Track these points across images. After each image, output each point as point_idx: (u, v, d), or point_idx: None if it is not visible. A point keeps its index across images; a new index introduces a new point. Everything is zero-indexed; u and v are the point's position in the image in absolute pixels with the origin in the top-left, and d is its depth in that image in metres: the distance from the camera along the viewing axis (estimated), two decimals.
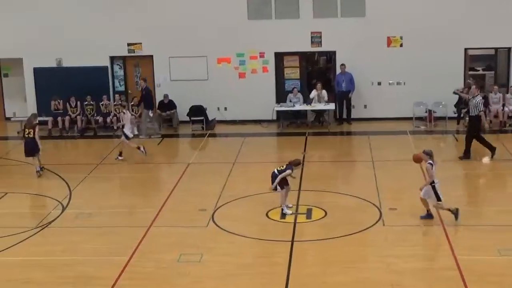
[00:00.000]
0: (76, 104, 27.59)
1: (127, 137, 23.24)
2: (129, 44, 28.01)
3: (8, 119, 29.16)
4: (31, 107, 28.28)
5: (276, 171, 17.89)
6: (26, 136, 21.71)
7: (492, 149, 22.28)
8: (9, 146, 26.11)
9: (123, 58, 28.46)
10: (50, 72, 28.18)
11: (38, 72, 28.30)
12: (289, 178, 17.88)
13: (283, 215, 17.94)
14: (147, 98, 26.82)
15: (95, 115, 27.63)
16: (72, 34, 27.68)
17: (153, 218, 18.14)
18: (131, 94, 28.19)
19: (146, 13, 27.45)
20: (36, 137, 21.64)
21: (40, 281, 14.92)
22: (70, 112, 27.54)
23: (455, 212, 16.94)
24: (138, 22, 27.55)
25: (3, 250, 16.47)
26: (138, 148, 23.30)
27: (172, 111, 27.59)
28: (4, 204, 19.48)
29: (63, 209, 19.12)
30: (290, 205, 18.15)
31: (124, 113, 23.69)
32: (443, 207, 17.14)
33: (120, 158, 23.35)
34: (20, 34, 27.83)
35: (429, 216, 17.27)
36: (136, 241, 16.65)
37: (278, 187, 17.83)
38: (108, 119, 27.41)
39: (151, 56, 28.14)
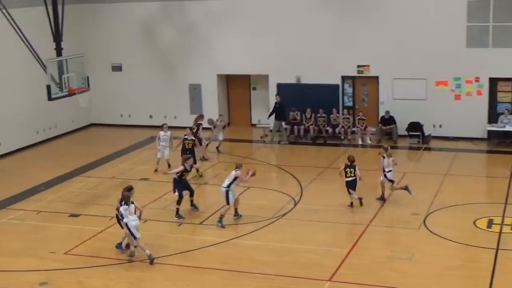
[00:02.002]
0: (311, 115, 28.06)
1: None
2: (358, 66, 28.07)
3: (254, 125, 30.20)
4: (273, 116, 29.09)
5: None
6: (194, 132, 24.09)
7: None
8: (253, 148, 27.05)
9: (353, 78, 28.52)
10: (290, 87, 28.81)
11: (281, 87, 29.05)
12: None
13: (490, 225, 17.22)
14: (280, 111, 27.38)
15: (326, 125, 27.94)
16: (311, 56, 28.17)
17: (371, 217, 18.11)
18: (358, 109, 28.21)
19: (375, 38, 27.34)
20: (199, 133, 24.03)
21: (273, 264, 15.41)
22: (304, 122, 28.05)
23: (406, 188, 19.17)
24: (367, 47, 27.53)
25: (245, 234, 17.22)
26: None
27: (392, 126, 27.31)
28: (247, 196, 20.22)
29: (295, 204, 19.56)
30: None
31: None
32: (396, 187, 19.28)
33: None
34: (267, 55, 28.77)
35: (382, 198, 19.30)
36: (355, 237, 16.73)
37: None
38: (337, 130, 27.61)
39: (377, 77, 28.00)
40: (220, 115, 26.84)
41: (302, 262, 15.40)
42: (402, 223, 17.59)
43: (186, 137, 22.52)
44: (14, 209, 19.90)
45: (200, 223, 18.25)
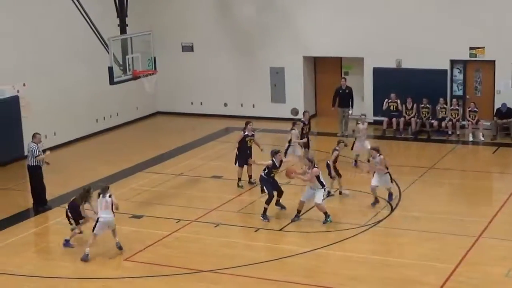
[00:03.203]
0: (412, 106, 27.63)
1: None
2: (471, 48, 27.47)
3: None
4: (368, 106, 28.81)
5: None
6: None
7: None
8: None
9: (464, 62, 27.95)
10: (389, 73, 28.49)
11: (377, 72, 28.76)
12: None
13: None
14: (345, 97, 27.59)
15: (430, 118, 27.45)
16: (414, 36, 27.70)
17: (483, 228, 17.70)
18: (469, 100, 27.61)
19: (491, 16, 26.68)
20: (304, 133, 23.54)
21: (364, 279, 15.25)
22: (405, 114, 27.64)
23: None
24: (482, 26, 26.87)
25: (331, 243, 17.10)
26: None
27: (510, 120, 26.61)
28: (335, 200, 20.10)
29: (392, 210, 19.30)
30: None
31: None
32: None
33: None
34: (363, 34, 28.47)
35: (377, 202, 19.54)
36: (463, 250, 16.37)
37: None
38: (443, 123, 27.09)
39: (493, 62, 27.33)
40: (362, 115, 24.33)
41: (397, 279, 15.18)
42: None
43: (247, 133, 21.92)
44: None
45: (280, 230, 18.21)
